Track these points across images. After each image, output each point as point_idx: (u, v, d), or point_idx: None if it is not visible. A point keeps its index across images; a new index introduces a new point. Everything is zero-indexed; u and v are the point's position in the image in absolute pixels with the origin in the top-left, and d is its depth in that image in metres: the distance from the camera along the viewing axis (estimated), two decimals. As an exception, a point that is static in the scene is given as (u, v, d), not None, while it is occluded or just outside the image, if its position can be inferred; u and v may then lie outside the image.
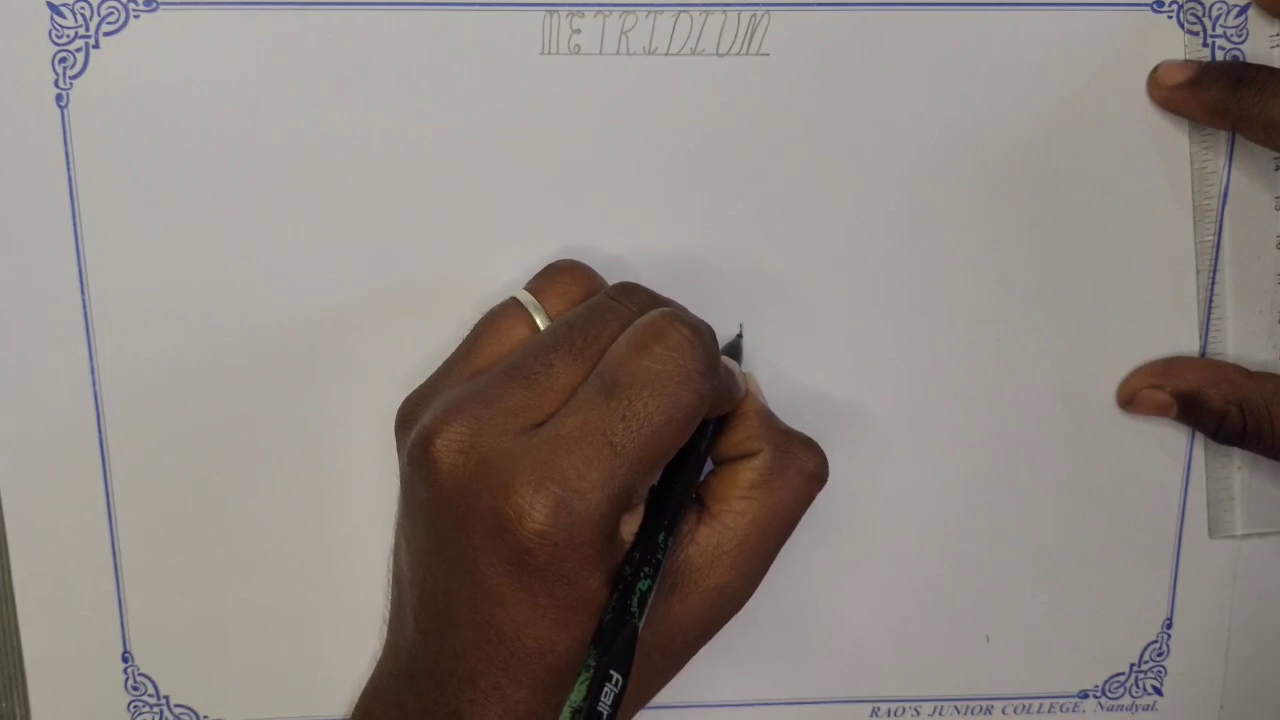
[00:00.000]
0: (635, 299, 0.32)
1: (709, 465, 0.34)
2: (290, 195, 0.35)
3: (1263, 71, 0.35)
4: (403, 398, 0.35)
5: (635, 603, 0.30)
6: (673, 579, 0.32)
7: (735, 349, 0.37)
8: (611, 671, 0.29)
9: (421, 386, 0.33)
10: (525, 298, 0.33)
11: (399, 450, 0.32)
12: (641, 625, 0.30)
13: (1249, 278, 0.37)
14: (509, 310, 0.33)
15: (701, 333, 0.31)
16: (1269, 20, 0.35)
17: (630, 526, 0.31)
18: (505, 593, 0.30)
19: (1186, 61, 0.35)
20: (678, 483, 0.32)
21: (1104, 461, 0.39)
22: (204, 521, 0.38)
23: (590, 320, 0.31)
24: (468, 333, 0.33)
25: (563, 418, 0.30)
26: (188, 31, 0.34)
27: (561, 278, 0.34)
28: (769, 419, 0.34)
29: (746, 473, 0.33)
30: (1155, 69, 0.36)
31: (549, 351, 0.31)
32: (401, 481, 0.32)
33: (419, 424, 0.31)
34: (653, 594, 0.31)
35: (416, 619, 0.32)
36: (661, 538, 0.31)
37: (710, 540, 0.32)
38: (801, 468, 0.33)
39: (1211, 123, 0.36)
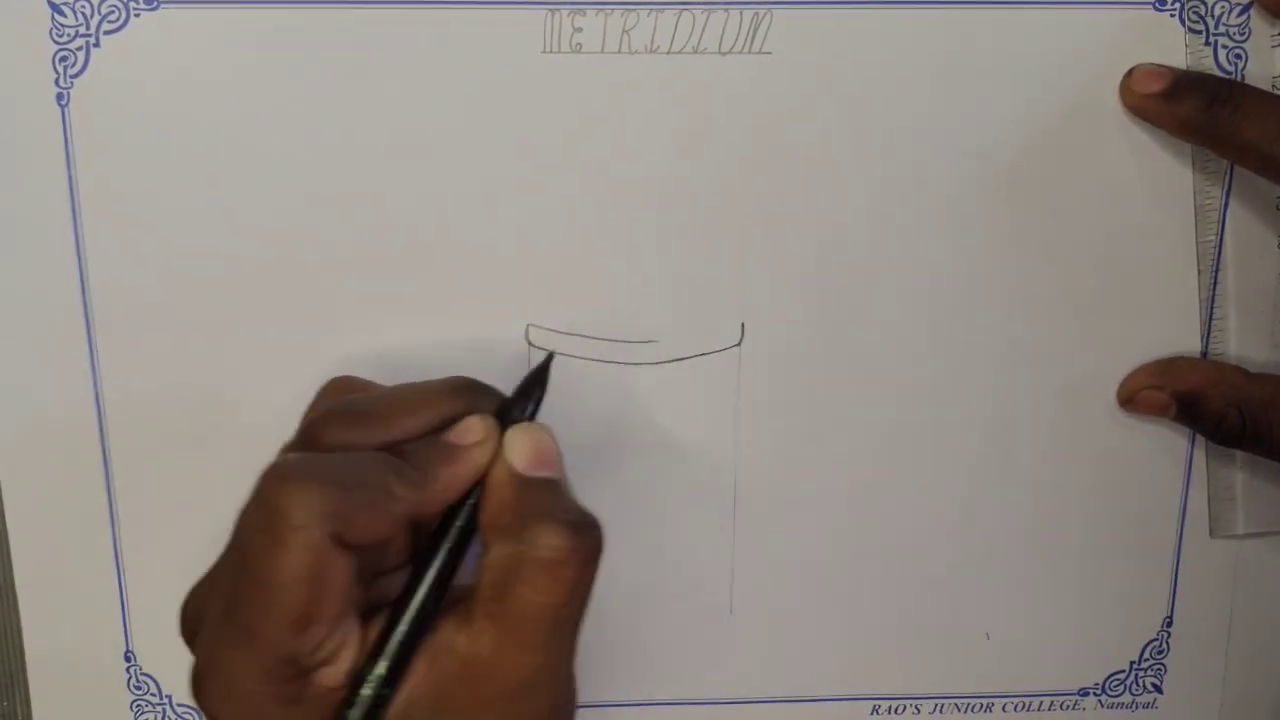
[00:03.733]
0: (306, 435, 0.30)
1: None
2: (291, 194, 0.35)
3: (1237, 90, 0.34)
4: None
5: None
6: (440, 700, 0.29)
7: (528, 386, 0.32)
8: None
9: None
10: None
11: None
12: None
13: (1251, 278, 0.37)
14: None
15: (292, 472, 0.27)
16: (1271, 20, 0.35)
17: (333, 673, 0.28)
18: None
19: (1162, 69, 0.35)
20: (408, 594, 0.29)
21: (1104, 460, 0.39)
22: (206, 521, 0.37)
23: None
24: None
25: (208, 621, 0.29)
26: (189, 30, 0.34)
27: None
28: (514, 495, 0.29)
29: (484, 575, 0.28)
30: (1130, 73, 0.35)
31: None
32: None
33: None
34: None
35: None
36: (369, 666, 0.28)
37: (468, 646, 0.28)
38: (539, 558, 0.28)
39: (1183, 138, 0.35)
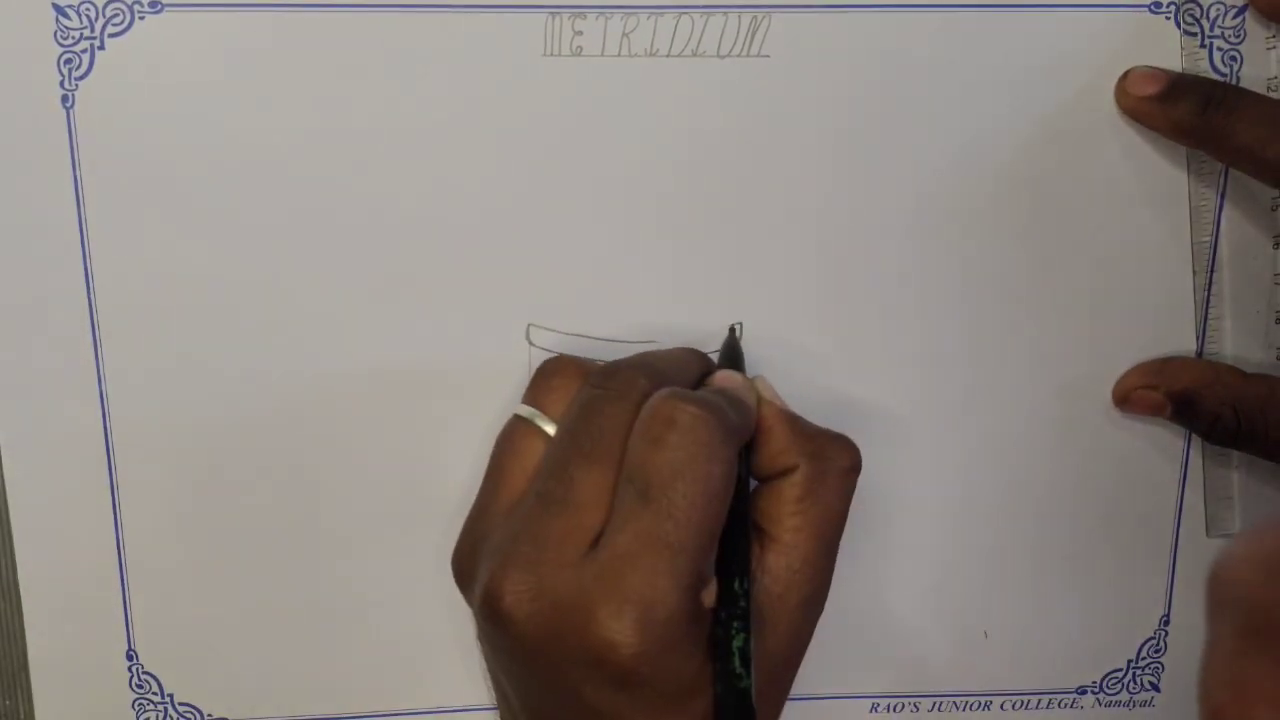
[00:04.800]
0: (617, 380, 0.32)
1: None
2: (294, 196, 0.35)
3: (1231, 93, 0.34)
4: (401, 396, 0.35)
5: (738, 662, 0.30)
6: (759, 616, 0.32)
7: (733, 351, 0.36)
8: None
9: (464, 534, 0.33)
10: (527, 411, 0.33)
11: (468, 602, 0.33)
12: (752, 680, 0.30)
13: (1245, 278, 0.37)
14: (517, 430, 0.33)
15: (707, 405, 0.30)
16: (1266, 22, 0.36)
17: (709, 593, 0.31)
18: (619, 709, 0.30)
19: (1157, 72, 0.35)
20: (734, 525, 0.31)
21: (1101, 460, 0.39)
22: (208, 520, 0.38)
23: (586, 419, 0.31)
24: (487, 463, 0.33)
25: (613, 536, 0.30)
26: (193, 33, 0.34)
27: (554, 379, 0.34)
28: (793, 426, 0.33)
29: (790, 489, 0.33)
30: (1125, 75, 0.35)
31: (565, 467, 0.31)
32: (480, 630, 0.33)
33: (479, 582, 0.31)
34: (751, 642, 0.31)
35: None
36: (737, 584, 0.31)
37: (779, 564, 0.32)
38: (839, 468, 0.33)
39: (1177, 140, 0.35)
